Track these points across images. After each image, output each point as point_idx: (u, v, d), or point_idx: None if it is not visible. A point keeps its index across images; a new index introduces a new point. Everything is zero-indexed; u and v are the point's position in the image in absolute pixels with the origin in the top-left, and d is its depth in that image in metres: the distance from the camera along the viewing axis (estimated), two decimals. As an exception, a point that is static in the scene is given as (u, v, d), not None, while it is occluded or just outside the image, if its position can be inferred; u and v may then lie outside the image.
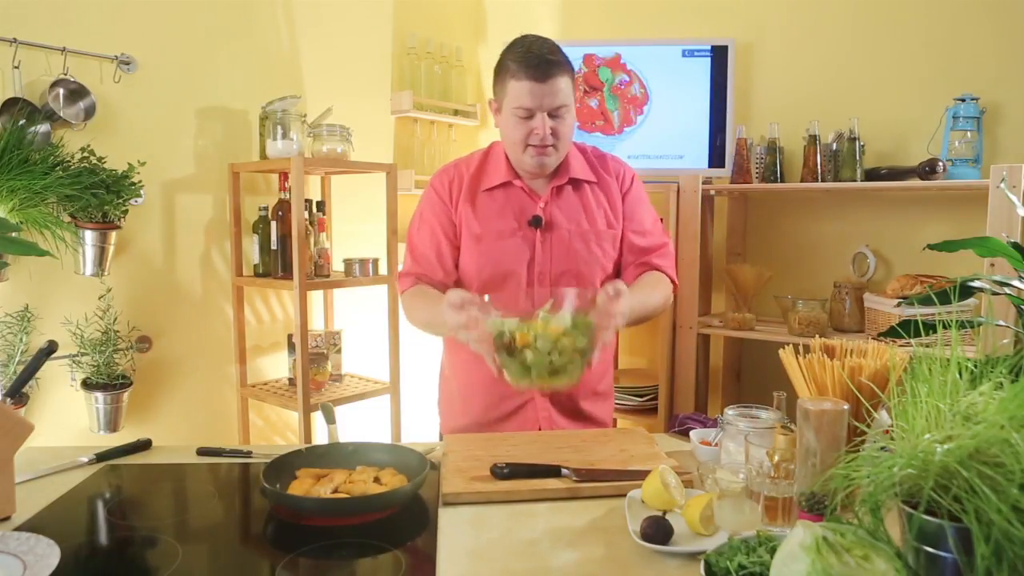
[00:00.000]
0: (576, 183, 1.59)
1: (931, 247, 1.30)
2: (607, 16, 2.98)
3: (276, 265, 2.38)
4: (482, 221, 1.56)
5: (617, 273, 1.63)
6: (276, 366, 2.63)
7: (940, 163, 2.14)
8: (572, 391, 1.56)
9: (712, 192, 2.52)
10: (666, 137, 2.58)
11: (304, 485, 1.17)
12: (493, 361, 1.28)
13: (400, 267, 1.68)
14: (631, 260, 1.62)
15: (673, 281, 1.63)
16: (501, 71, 1.50)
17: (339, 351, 2.64)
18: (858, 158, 2.28)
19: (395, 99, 2.94)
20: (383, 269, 2.53)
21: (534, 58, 1.44)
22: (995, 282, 1.20)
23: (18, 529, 1.06)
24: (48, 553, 0.95)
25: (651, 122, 2.60)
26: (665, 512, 1.04)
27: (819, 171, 2.35)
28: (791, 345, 1.22)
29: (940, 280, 2.10)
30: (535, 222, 1.54)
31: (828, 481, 0.84)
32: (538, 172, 1.55)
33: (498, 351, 1.27)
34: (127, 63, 2.17)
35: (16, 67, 1.94)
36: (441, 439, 1.71)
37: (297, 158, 2.23)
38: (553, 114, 1.47)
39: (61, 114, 1.99)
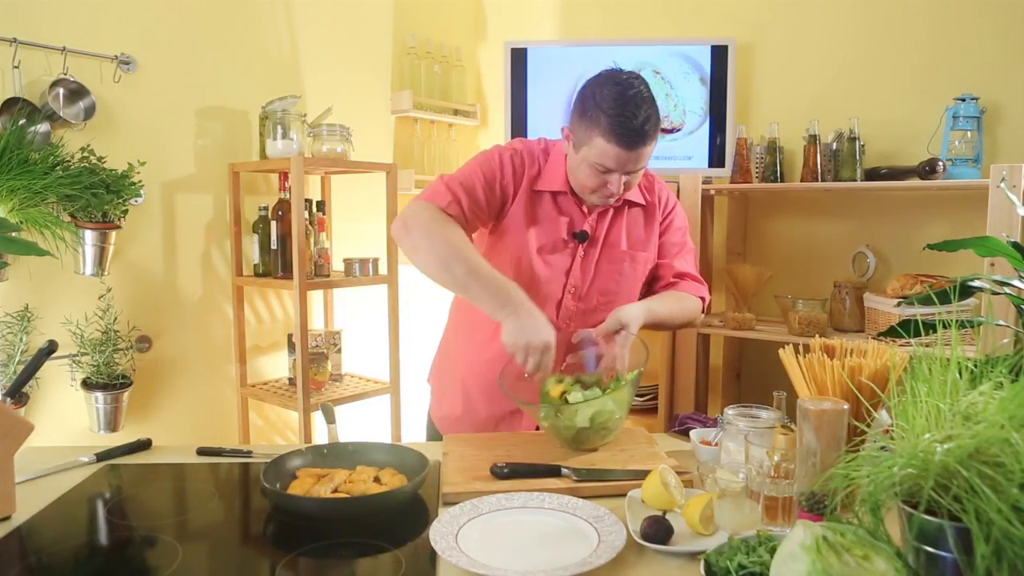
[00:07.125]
0: (627, 203, 1.57)
1: (931, 247, 1.30)
2: (607, 16, 2.97)
3: (276, 265, 2.38)
4: (529, 220, 1.51)
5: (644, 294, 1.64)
6: (276, 366, 2.63)
7: (940, 163, 2.13)
8: None
9: (712, 192, 2.52)
10: (666, 136, 2.58)
11: (304, 485, 1.17)
12: (539, 419, 1.38)
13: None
14: (660, 285, 1.64)
15: (703, 299, 1.65)
16: (591, 119, 1.38)
17: (339, 351, 2.64)
18: (858, 158, 2.27)
19: (395, 99, 2.94)
20: (383, 269, 2.53)
21: (632, 130, 1.35)
22: (995, 282, 1.20)
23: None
24: (615, 530, 1.01)
25: (651, 122, 2.59)
26: (665, 512, 1.04)
27: (819, 171, 2.35)
28: (791, 345, 1.22)
29: (940, 280, 2.10)
30: (581, 237, 1.52)
31: (828, 481, 0.84)
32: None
33: (545, 416, 1.34)
34: (127, 63, 2.17)
35: (16, 67, 1.94)
36: (429, 432, 1.71)
37: (297, 158, 2.23)
38: (631, 171, 1.43)
39: (61, 114, 1.99)
